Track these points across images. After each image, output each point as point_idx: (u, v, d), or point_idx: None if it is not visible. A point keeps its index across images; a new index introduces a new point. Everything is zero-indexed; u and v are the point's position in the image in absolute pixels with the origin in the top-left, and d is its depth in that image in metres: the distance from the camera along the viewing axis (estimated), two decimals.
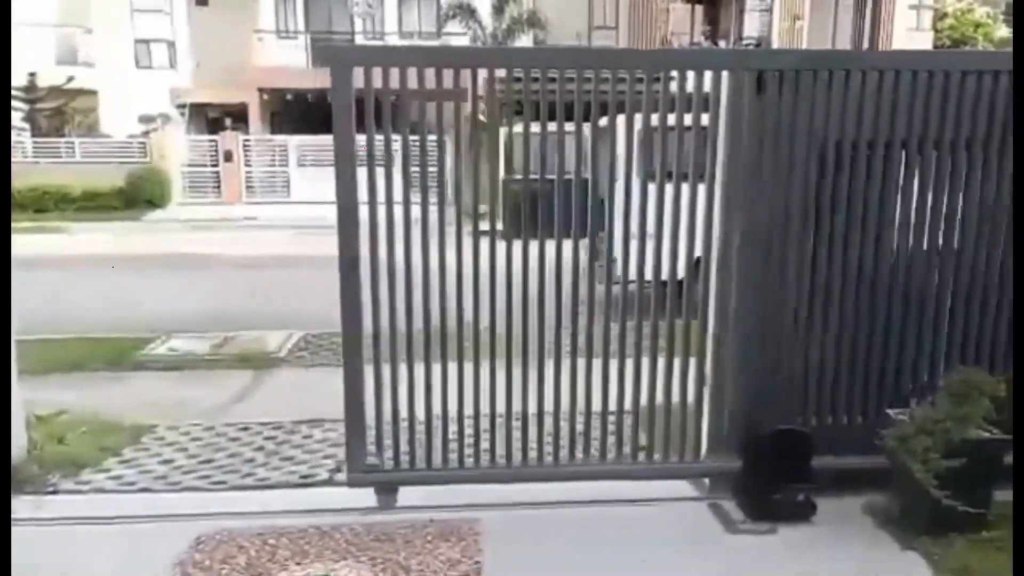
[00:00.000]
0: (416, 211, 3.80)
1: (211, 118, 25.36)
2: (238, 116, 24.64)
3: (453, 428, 4.02)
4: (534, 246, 3.89)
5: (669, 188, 3.87)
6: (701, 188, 3.88)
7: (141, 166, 20.66)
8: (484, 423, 3.99)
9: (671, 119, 3.81)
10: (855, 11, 23.00)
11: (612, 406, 4.04)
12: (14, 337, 3.97)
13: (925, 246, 3.98)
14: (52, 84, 21.58)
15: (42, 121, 22.44)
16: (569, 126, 3.79)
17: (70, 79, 21.55)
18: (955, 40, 27.71)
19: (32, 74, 21.02)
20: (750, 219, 3.86)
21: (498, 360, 3.93)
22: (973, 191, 3.94)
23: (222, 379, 6.21)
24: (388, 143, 3.74)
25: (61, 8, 23.67)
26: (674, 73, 3.83)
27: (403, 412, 3.96)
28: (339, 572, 3.33)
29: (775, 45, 24.07)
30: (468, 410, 3.99)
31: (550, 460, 4.07)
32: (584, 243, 4.08)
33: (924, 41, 25.30)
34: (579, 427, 4.05)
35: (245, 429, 5.08)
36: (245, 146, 22.34)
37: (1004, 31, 27.33)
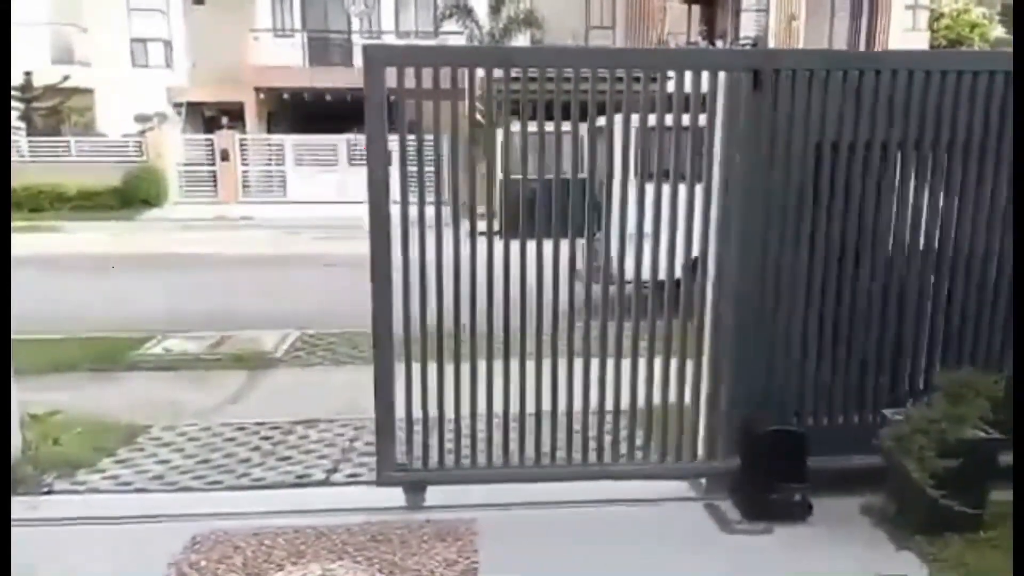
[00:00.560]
0: (443, 212, 3.80)
1: (207, 117, 25.32)
2: (234, 115, 24.60)
3: (481, 427, 4.02)
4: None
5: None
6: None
7: (137, 165, 20.64)
8: (509, 422, 3.98)
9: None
10: (851, 11, 23.00)
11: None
12: None
13: (922, 246, 3.98)
14: (48, 83, 21.50)
15: (38, 120, 22.36)
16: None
17: (66, 78, 21.46)
18: (951, 40, 27.74)
19: (28, 73, 20.94)
20: (746, 219, 3.86)
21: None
22: (969, 191, 3.94)
23: (218, 379, 6.20)
24: (420, 145, 3.76)
25: (57, 7, 23.59)
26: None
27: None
28: (335, 572, 3.32)
29: (771, 45, 24.10)
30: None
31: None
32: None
33: (920, 41, 25.31)
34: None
35: (241, 429, 5.07)
36: (241, 145, 22.33)
37: (1000, 31, 27.38)
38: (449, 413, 3.98)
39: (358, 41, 24.50)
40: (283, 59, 23.97)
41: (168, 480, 4.38)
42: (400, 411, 3.92)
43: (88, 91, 23.17)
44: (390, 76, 3.64)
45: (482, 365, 3.91)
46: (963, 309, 4.04)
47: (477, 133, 3.88)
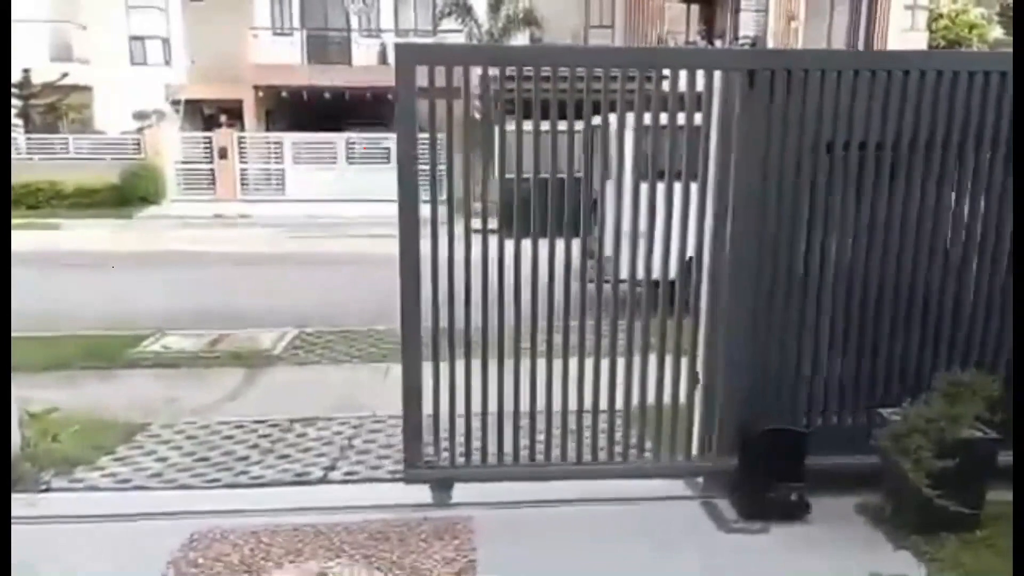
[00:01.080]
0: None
1: (206, 115, 25.25)
2: (233, 113, 24.54)
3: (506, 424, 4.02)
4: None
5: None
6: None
7: (135, 162, 20.56)
8: (540, 421, 4.01)
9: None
10: (850, 12, 23.02)
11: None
12: None
13: (919, 246, 3.98)
14: (46, 80, 21.46)
15: (36, 117, 22.30)
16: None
17: (64, 75, 21.41)
18: (950, 41, 27.77)
19: (26, 70, 20.88)
20: (742, 218, 3.87)
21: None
22: (967, 191, 3.95)
23: (216, 377, 6.20)
24: (450, 143, 3.75)
25: (56, 4, 23.53)
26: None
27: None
28: (333, 570, 3.33)
29: (770, 45, 24.11)
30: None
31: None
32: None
33: (919, 42, 25.35)
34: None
35: (239, 427, 5.07)
36: (240, 143, 22.26)
37: (998, 32, 27.41)
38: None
39: (357, 39, 24.50)
40: (282, 57, 23.92)
41: (167, 478, 4.38)
42: (427, 408, 3.91)
43: (86, 88, 23.12)
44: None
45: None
46: (960, 308, 4.05)
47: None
